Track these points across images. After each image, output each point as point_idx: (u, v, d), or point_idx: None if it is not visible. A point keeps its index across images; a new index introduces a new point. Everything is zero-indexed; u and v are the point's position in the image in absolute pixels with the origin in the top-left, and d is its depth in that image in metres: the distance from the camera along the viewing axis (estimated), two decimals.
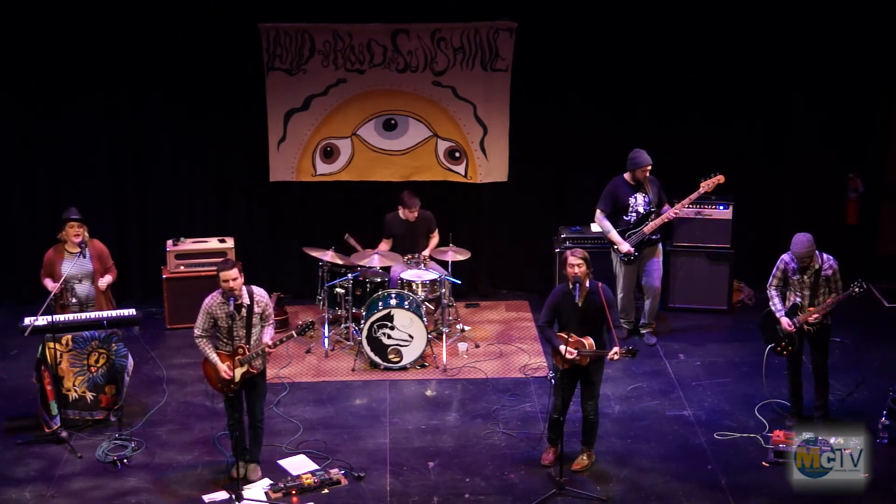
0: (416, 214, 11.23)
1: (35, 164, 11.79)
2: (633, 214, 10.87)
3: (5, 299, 11.96)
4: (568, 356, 8.55)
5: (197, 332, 8.66)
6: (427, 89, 11.76)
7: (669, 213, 10.85)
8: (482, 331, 11.57)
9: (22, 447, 9.31)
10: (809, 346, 9.46)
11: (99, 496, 8.67)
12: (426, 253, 11.21)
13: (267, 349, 8.65)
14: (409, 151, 11.98)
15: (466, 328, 11.47)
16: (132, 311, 9.83)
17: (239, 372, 8.62)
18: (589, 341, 8.64)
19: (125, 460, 9.09)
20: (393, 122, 11.90)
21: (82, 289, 9.91)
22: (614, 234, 10.89)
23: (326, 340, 11.09)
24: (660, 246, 11.11)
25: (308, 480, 8.75)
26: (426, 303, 11.01)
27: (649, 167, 10.76)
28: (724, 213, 11.62)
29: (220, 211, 12.14)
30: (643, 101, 11.82)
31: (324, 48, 11.56)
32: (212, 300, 8.62)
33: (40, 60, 11.41)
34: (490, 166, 12.01)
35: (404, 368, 10.68)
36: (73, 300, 9.86)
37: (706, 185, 10.77)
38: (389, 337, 10.61)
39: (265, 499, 8.61)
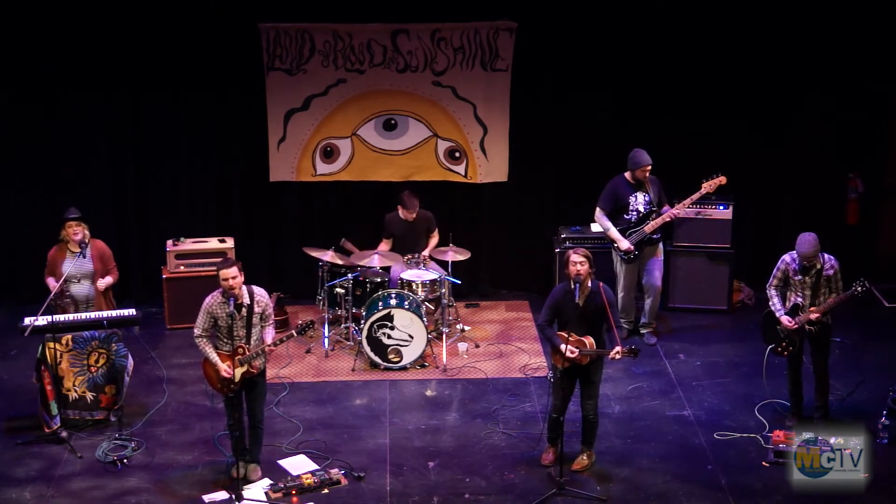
0: (415, 215, 11.22)
1: (35, 165, 11.77)
2: (634, 213, 10.87)
3: (5, 299, 11.95)
4: (569, 355, 8.55)
5: (197, 331, 8.66)
6: (427, 89, 11.75)
7: (670, 212, 10.84)
8: (482, 331, 11.56)
9: (22, 447, 9.30)
10: (810, 346, 9.46)
11: (99, 496, 8.67)
12: (426, 253, 11.21)
13: (267, 349, 8.65)
14: (409, 151, 11.97)
15: (466, 328, 11.47)
16: (132, 311, 9.84)
17: (239, 372, 8.62)
18: (589, 340, 8.64)
19: (125, 460, 9.09)
20: (393, 122, 11.89)
21: (81, 289, 9.91)
22: (614, 232, 10.88)
23: (326, 340, 11.08)
24: (660, 245, 11.10)
25: (308, 480, 8.75)
26: (426, 303, 11.00)
27: (649, 167, 10.75)
28: (724, 213, 11.61)
29: (220, 211, 12.13)
30: (643, 101, 11.80)
31: (324, 48, 11.55)
32: (212, 300, 8.62)
33: (39, 60, 11.40)
34: (490, 166, 12.01)
35: (404, 368, 10.67)
36: (67, 299, 9.85)
37: (708, 186, 10.75)
38: (389, 337, 10.60)
39: (265, 499, 8.60)
